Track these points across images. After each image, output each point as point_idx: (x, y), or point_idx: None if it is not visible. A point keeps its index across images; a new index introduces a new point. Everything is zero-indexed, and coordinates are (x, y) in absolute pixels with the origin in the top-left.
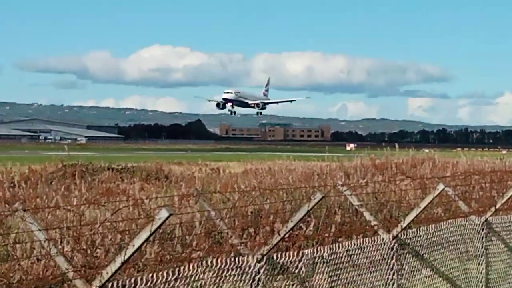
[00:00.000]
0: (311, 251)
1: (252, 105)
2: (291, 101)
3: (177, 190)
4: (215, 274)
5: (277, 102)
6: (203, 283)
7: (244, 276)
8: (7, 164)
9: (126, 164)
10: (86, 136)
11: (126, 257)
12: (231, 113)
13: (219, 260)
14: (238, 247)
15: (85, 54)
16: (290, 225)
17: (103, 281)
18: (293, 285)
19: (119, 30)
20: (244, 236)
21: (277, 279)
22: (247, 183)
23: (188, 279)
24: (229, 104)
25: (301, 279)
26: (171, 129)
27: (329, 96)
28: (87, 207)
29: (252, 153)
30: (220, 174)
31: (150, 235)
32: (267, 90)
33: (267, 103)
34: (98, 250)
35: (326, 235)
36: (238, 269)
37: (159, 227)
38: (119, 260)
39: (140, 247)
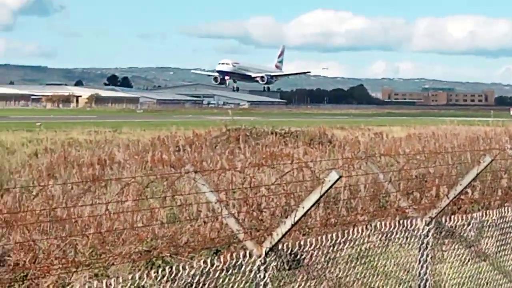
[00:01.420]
0: (479, 214)
1: (256, 78)
2: (304, 73)
3: (340, 154)
4: (382, 237)
5: (285, 75)
6: (369, 246)
7: (412, 239)
8: (171, 129)
9: (289, 129)
10: (248, 101)
11: (296, 219)
12: (233, 89)
13: (386, 223)
14: (406, 210)
15: (248, 19)
16: (459, 188)
17: (273, 243)
18: (460, 248)
19: None
20: (409, 200)
21: (445, 243)
22: (411, 147)
23: (353, 242)
24: (227, 77)
25: (469, 243)
26: (333, 93)
27: (493, 61)
28: (257, 169)
29: (415, 118)
30: (383, 139)
31: (320, 197)
32: (280, 62)
33: (275, 76)
34: (263, 213)
35: (493, 199)
36: (406, 232)
37: (328, 189)
38: (289, 222)
39: (309, 209)
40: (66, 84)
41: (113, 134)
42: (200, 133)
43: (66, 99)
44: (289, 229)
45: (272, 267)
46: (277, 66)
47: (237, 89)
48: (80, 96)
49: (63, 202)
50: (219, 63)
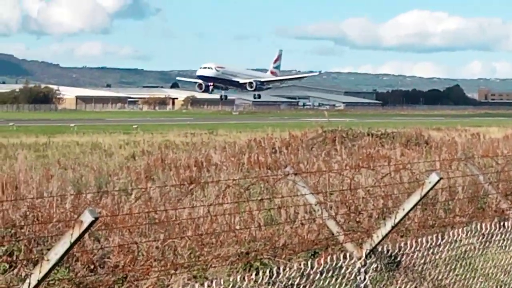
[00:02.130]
0: None
1: (244, 84)
2: (299, 78)
3: (437, 156)
4: (482, 239)
5: (277, 80)
6: (468, 248)
7: None
8: (267, 130)
9: (385, 130)
10: (344, 102)
11: (396, 221)
12: (221, 98)
13: (485, 224)
14: (507, 212)
15: (343, 20)
16: None
17: (373, 245)
18: None
19: None
20: (509, 201)
21: None
22: (509, 148)
23: (452, 244)
24: (211, 84)
25: None
26: (429, 94)
27: None
28: (357, 171)
29: None
30: (481, 140)
31: (420, 199)
32: (276, 67)
33: (266, 82)
34: (361, 214)
35: None
36: (506, 234)
37: (429, 191)
38: (389, 224)
39: (409, 211)
40: (162, 87)
41: (209, 136)
42: (296, 135)
43: (162, 101)
44: (389, 231)
45: (372, 269)
46: (272, 72)
47: (225, 98)
48: (176, 98)
49: (162, 204)
50: (200, 67)
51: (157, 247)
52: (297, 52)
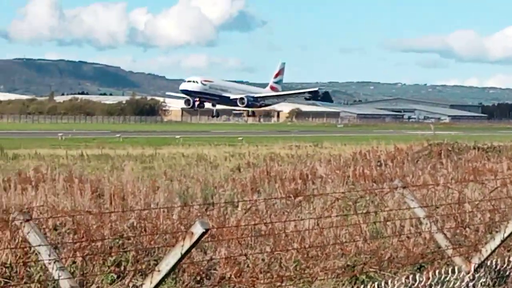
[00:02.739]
0: None
1: (235, 100)
2: (299, 93)
3: None
4: None
5: (273, 96)
6: None
7: None
8: (372, 143)
9: (491, 143)
10: (449, 115)
11: (506, 235)
12: (212, 115)
13: None
14: None
15: (449, 33)
16: None
17: (482, 259)
18: None
19: (484, 8)
20: None
21: None
22: None
23: None
24: (197, 99)
25: None
26: None
27: None
28: (464, 184)
29: None
30: None
31: None
32: (277, 82)
33: (260, 98)
34: (467, 228)
35: None
36: None
37: None
38: (498, 238)
39: None
40: None
41: (314, 149)
42: (401, 148)
43: (267, 114)
44: (498, 245)
45: (481, 283)
46: (273, 88)
47: (217, 115)
48: (281, 110)
49: (267, 216)
50: (184, 81)
51: (263, 259)
52: (402, 65)
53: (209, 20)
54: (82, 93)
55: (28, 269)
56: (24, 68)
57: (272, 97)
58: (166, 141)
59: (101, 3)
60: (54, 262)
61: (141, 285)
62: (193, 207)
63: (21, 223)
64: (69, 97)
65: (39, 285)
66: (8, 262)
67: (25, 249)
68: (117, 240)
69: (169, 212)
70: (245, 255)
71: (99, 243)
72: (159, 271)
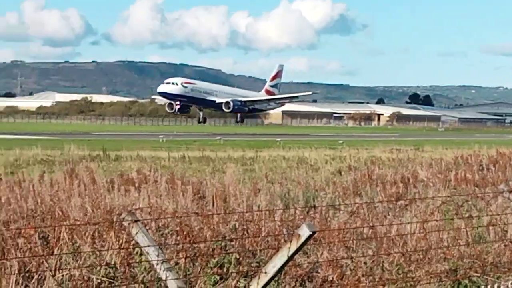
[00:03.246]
0: None
1: (219, 104)
2: (292, 97)
3: None
4: None
5: (264, 100)
6: None
7: None
8: (474, 147)
9: None
10: None
11: None
12: (198, 121)
13: None
14: None
15: None
16: None
17: None
18: None
19: None
20: None
21: None
22: None
23: None
24: (177, 103)
25: None
26: None
27: None
28: None
29: None
30: None
31: None
32: (274, 86)
33: (249, 102)
34: None
35: None
36: None
37: None
38: None
39: None
40: (368, 102)
41: (415, 152)
42: (503, 152)
43: (368, 117)
44: None
45: None
46: (268, 92)
47: (204, 121)
48: (382, 114)
49: (369, 219)
50: (163, 83)
51: (365, 263)
52: (504, 69)
53: (310, 23)
54: None
55: (132, 270)
56: (126, 70)
57: (263, 101)
58: (266, 143)
59: (202, 7)
60: (162, 263)
61: (244, 286)
62: (295, 209)
63: (129, 224)
64: None
65: (142, 286)
66: (112, 263)
67: (128, 250)
68: (219, 242)
69: (271, 214)
70: (351, 258)
71: (201, 245)
72: (265, 272)
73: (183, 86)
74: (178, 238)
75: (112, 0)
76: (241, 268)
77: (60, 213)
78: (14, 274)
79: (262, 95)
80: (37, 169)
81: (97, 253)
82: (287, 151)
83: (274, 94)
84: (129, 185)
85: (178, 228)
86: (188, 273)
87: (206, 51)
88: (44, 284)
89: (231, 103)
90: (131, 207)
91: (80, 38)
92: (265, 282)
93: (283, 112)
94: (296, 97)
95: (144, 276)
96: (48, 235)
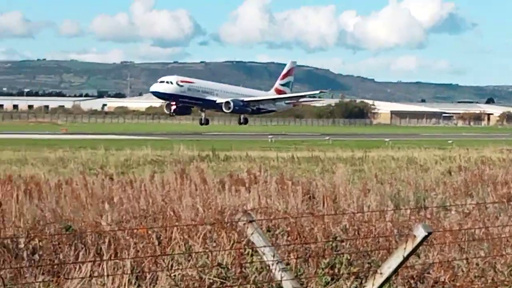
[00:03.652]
0: None
1: (220, 104)
2: (297, 96)
3: None
4: None
5: (269, 100)
6: None
7: None
8: None
9: None
10: None
11: None
12: (200, 123)
13: None
14: None
15: None
16: None
17: None
18: None
19: None
20: None
21: None
22: None
23: None
24: (173, 103)
25: None
26: None
27: None
28: None
29: None
30: None
31: None
32: (285, 84)
33: (252, 102)
34: None
35: None
36: None
37: None
38: None
39: None
40: (477, 102)
41: None
42: None
43: (477, 117)
44: None
45: None
46: (279, 91)
47: (207, 122)
48: (492, 114)
49: (480, 220)
50: (157, 82)
51: (477, 264)
52: None
53: (419, 22)
54: None
55: (243, 270)
56: (235, 70)
57: (267, 100)
58: (375, 144)
59: (311, 6)
60: (277, 263)
61: (355, 286)
62: (405, 210)
63: (244, 224)
64: None
65: (254, 286)
66: (224, 263)
67: (240, 250)
68: (330, 243)
69: (381, 215)
70: (466, 259)
71: (313, 245)
72: (381, 273)
73: (178, 85)
74: (289, 238)
75: (220, 0)
76: (352, 269)
77: (172, 213)
78: (127, 273)
79: (271, 95)
80: (148, 169)
81: (209, 253)
82: (396, 151)
83: (285, 94)
84: (239, 185)
85: (289, 229)
86: (299, 273)
87: (315, 51)
88: (156, 284)
89: (231, 103)
90: (242, 207)
91: (189, 39)
92: (380, 283)
93: (392, 112)
94: (303, 96)
95: (255, 277)
96: (160, 235)
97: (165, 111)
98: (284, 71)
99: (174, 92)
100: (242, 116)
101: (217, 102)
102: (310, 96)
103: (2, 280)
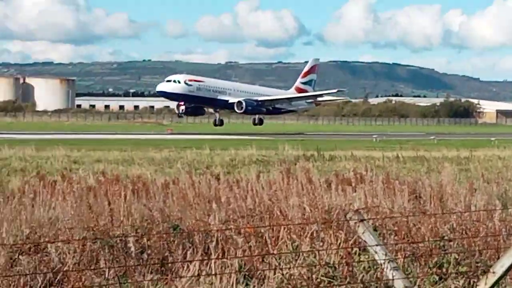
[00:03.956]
0: None
1: (232, 104)
2: (315, 96)
3: None
4: None
5: (284, 99)
6: None
7: None
8: None
9: None
10: None
11: None
12: (214, 123)
13: None
14: None
15: None
16: None
17: None
18: None
19: None
20: None
21: None
22: None
23: None
24: (182, 103)
25: None
26: None
27: None
28: None
29: None
30: None
31: None
32: (306, 83)
33: (267, 101)
34: None
35: None
36: None
37: None
38: None
39: None
40: None
41: None
42: None
43: None
44: None
45: None
46: (300, 90)
47: (221, 123)
48: None
49: None
50: (165, 80)
51: None
52: None
53: None
54: (396, 95)
55: (351, 269)
56: (339, 70)
57: (282, 100)
58: (480, 143)
59: (415, 5)
60: (389, 262)
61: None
62: None
63: (355, 223)
64: (383, 99)
65: (361, 286)
66: (331, 262)
67: (347, 249)
68: (438, 242)
69: (489, 214)
70: None
71: (420, 245)
72: (494, 272)
73: (186, 84)
74: (396, 237)
75: (324, 0)
76: (460, 268)
77: (279, 212)
78: (234, 272)
79: (291, 93)
80: (253, 169)
81: (316, 252)
82: (502, 151)
83: (306, 92)
84: (345, 184)
85: (396, 228)
86: (406, 272)
87: (419, 51)
88: (264, 283)
89: (244, 103)
90: (349, 207)
91: (294, 39)
92: (493, 282)
93: (498, 111)
94: (321, 95)
95: (363, 276)
96: (267, 235)
97: (176, 112)
98: (306, 69)
99: (182, 91)
100: (257, 117)
101: (229, 102)
102: (329, 94)
103: (118, 278)
